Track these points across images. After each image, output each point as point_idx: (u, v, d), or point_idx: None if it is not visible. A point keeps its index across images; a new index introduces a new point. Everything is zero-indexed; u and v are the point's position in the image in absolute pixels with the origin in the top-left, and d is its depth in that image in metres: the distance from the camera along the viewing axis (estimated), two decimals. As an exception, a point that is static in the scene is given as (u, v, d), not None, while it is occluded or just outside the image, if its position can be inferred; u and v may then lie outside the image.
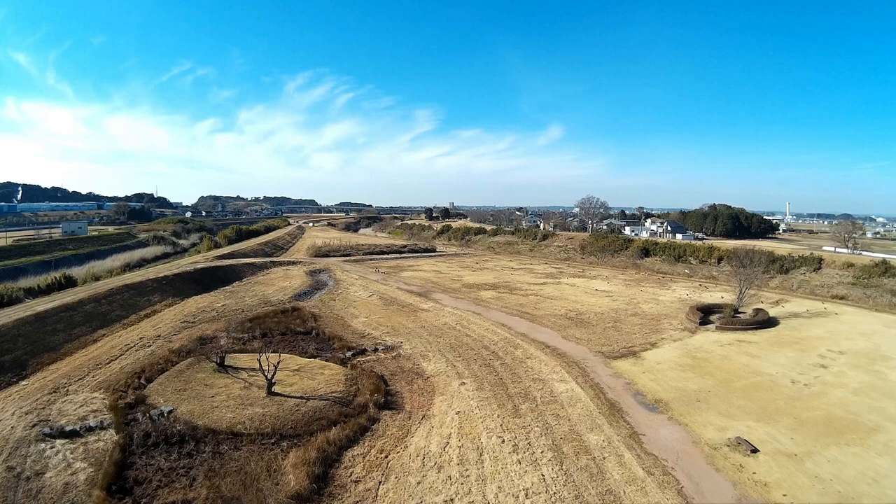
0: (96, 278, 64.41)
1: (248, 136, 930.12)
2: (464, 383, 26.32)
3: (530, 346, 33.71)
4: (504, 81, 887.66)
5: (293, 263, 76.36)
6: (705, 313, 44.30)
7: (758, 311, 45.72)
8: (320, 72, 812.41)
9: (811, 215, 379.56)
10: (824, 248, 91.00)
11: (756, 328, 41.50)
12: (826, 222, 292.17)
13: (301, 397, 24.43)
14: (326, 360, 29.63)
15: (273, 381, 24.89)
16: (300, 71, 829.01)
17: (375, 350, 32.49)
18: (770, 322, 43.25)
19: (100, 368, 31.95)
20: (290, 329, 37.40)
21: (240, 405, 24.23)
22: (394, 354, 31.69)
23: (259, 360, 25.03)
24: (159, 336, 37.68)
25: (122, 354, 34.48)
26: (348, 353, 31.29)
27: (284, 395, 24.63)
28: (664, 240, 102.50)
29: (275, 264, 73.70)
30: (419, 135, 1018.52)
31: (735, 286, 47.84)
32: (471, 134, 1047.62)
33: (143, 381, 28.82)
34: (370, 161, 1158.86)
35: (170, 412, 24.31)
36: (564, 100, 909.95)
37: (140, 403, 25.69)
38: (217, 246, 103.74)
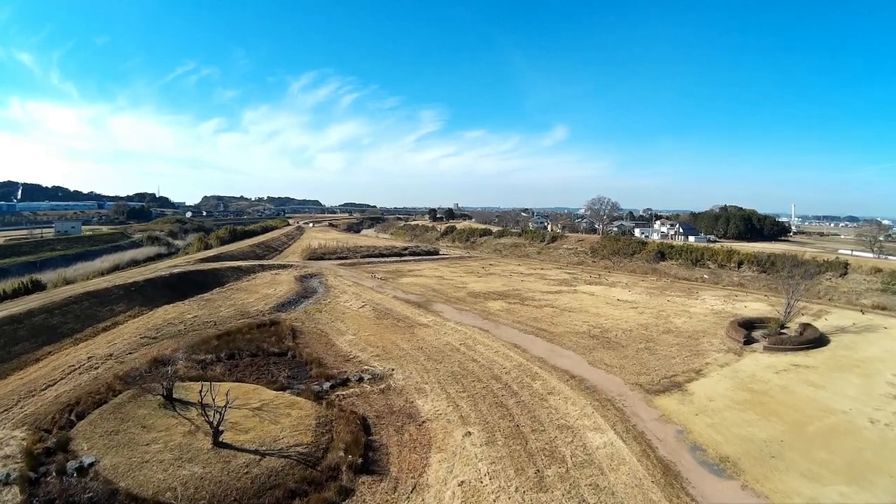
0: (68, 282, 59.20)
1: (253, 136, 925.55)
2: (469, 433, 20.21)
3: (551, 375, 27.50)
4: (508, 82, 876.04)
5: (283, 267, 70.75)
6: (747, 329, 38.46)
7: (805, 326, 39.63)
8: (325, 72, 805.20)
9: (816, 217, 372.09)
10: (840, 251, 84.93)
11: (808, 348, 35.65)
12: (832, 224, 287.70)
13: (255, 451, 18.68)
14: (298, 394, 23.80)
15: (221, 427, 19.19)
16: (304, 71, 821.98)
17: (360, 380, 26.45)
18: (821, 340, 37.35)
19: (33, 396, 26.66)
20: (263, 349, 31.55)
21: (176, 460, 18.59)
22: (382, 386, 25.61)
23: (201, 400, 19.23)
24: (111, 355, 32.16)
25: (62, 378, 29.05)
26: (326, 385, 25.27)
27: (235, 448, 18.90)
28: (678, 242, 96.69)
29: (263, 268, 68.10)
30: (424, 135, 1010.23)
31: (770, 295, 41.82)
32: (475, 135, 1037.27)
33: (73, 416, 23.53)
34: (375, 162, 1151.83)
35: (90, 465, 18.97)
36: (566, 100, 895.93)
37: (60, 450, 20.49)
38: (208, 247, 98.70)
